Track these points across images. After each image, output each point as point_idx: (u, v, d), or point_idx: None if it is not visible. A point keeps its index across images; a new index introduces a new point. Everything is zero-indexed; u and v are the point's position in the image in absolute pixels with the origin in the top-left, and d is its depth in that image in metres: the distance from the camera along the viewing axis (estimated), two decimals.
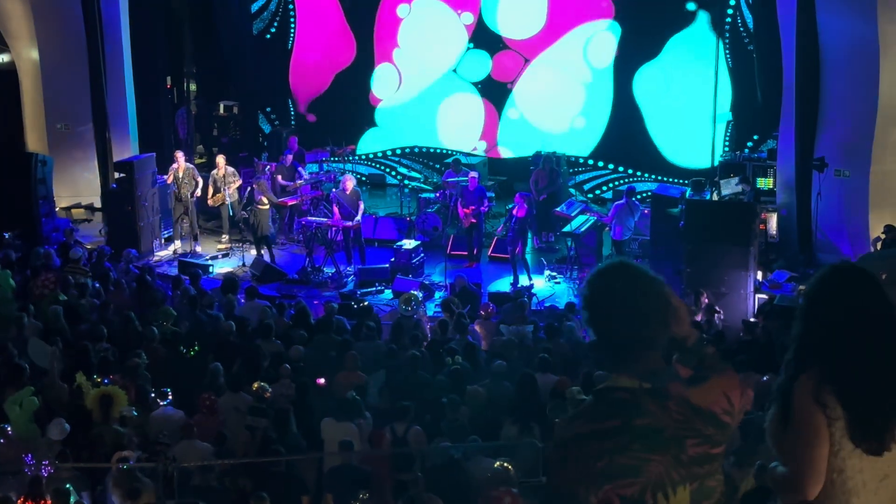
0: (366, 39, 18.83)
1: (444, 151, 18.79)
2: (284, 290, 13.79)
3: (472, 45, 18.35)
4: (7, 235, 13.22)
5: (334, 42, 19.02)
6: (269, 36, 19.30)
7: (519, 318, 11.13)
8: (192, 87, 20.41)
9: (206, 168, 16.93)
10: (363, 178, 18.82)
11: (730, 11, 16.32)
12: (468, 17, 18.30)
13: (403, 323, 10.72)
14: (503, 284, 13.98)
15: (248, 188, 15.51)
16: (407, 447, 7.93)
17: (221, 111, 19.64)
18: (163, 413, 8.48)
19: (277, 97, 19.56)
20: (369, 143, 19.34)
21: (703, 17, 16.49)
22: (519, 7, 18.05)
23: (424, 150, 19.14)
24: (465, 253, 15.04)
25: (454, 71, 18.52)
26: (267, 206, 14.77)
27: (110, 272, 12.33)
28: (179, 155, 15.51)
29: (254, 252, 14.96)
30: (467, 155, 18.17)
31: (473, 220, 14.75)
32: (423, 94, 18.87)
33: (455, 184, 15.30)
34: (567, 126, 18.07)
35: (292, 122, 19.51)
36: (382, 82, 18.99)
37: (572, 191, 17.44)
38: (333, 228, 14.43)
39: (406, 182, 17.56)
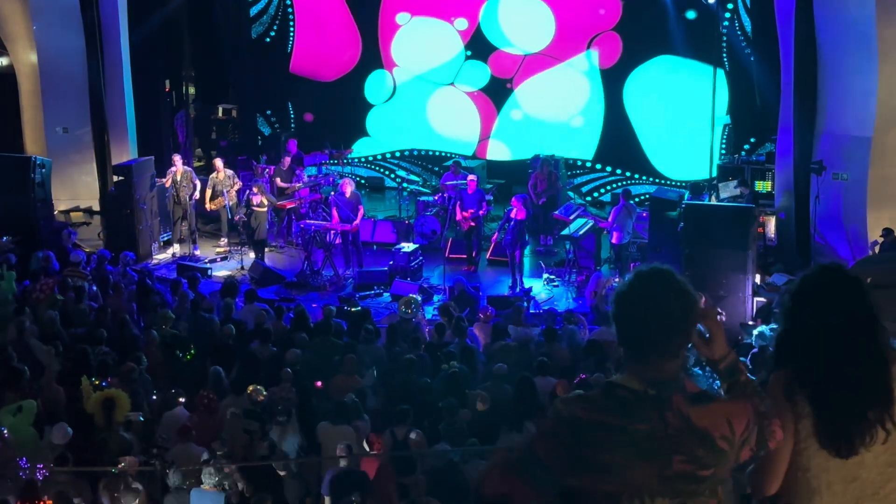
0: (365, 44, 18.82)
1: (444, 154, 18.79)
2: (283, 293, 13.79)
3: (469, 52, 18.35)
4: (5, 239, 13.21)
5: (333, 45, 19.02)
6: (268, 39, 19.31)
7: (517, 323, 11.12)
8: (191, 90, 20.39)
9: (205, 171, 16.92)
10: (362, 181, 18.82)
11: (727, 15, 16.33)
12: (462, 23, 18.27)
13: (400, 326, 10.71)
14: (502, 288, 13.98)
15: (247, 191, 15.51)
16: (407, 451, 7.92)
17: (220, 114, 19.66)
18: (174, 414, 8.50)
19: (276, 100, 19.56)
20: (367, 146, 19.34)
21: (702, 23, 16.46)
22: (524, 19, 17.99)
23: (423, 152, 19.15)
24: (464, 256, 15.05)
25: (452, 84, 18.54)
26: (265, 209, 14.77)
27: (109, 276, 12.33)
28: (177, 158, 15.51)
29: (252, 255, 14.96)
30: (466, 158, 18.18)
31: (472, 224, 14.77)
32: (420, 97, 18.87)
33: (454, 187, 15.31)
34: (567, 127, 18.06)
35: (292, 126, 19.51)
36: (379, 86, 18.99)
37: (570, 193, 17.44)
38: (332, 232, 14.43)
39: (405, 185, 17.57)
